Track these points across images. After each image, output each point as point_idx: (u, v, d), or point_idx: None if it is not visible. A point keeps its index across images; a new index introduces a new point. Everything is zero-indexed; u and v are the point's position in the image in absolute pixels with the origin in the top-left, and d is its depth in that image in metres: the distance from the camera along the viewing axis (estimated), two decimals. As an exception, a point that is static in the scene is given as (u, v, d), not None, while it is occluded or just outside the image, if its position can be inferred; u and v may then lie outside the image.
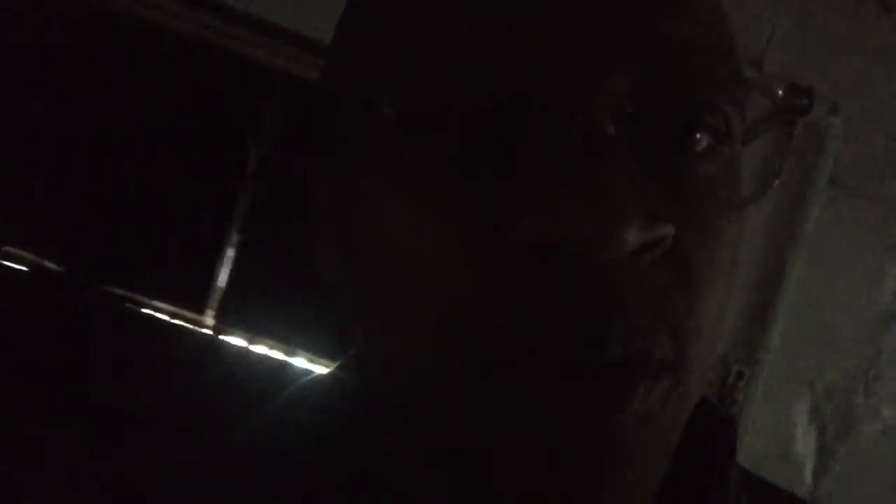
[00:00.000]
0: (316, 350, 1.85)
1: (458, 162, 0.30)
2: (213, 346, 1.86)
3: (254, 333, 1.88)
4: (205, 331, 1.88)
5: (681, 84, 0.31)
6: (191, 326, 1.87)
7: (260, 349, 1.87)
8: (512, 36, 0.30)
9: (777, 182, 0.35)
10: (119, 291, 1.86)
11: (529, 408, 0.29)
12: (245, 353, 1.86)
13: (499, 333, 0.29)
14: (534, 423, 0.30)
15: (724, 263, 0.33)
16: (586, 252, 0.28)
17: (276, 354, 1.86)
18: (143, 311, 1.85)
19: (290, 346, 1.87)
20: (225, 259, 1.88)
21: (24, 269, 1.85)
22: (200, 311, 1.88)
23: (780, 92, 0.33)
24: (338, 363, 0.42)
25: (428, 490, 0.34)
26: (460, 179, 0.30)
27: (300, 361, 1.85)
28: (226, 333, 1.88)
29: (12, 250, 1.85)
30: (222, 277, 1.88)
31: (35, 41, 1.82)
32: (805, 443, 1.66)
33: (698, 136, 0.32)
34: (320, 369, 1.73)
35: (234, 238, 1.88)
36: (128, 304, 1.85)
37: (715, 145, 0.32)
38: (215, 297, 1.89)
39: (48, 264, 1.86)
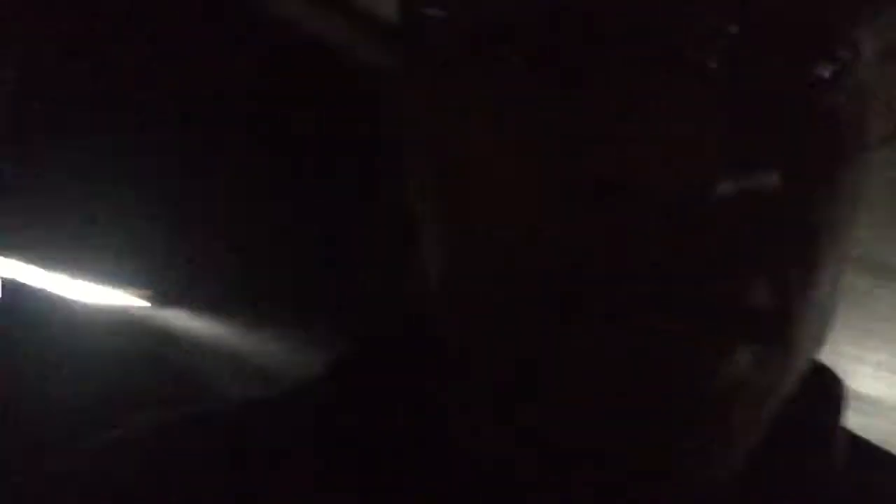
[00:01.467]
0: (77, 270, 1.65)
1: (532, 86, 0.27)
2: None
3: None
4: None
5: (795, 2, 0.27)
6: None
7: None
8: None
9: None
10: None
11: (597, 357, 0.26)
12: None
13: (565, 270, 0.26)
14: (601, 377, 0.26)
15: (843, 216, 0.29)
16: (661, 194, 0.25)
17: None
18: None
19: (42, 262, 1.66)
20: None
21: None
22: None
23: None
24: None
25: (494, 446, 0.31)
26: (535, 106, 0.27)
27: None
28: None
29: None
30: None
31: None
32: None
33: (817, 65, 0.27)
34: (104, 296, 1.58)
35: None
36: None
37: (838, 77, 0.28)
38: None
39: None
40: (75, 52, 1.42)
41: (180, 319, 1.65)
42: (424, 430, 0.34)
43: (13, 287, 1.55)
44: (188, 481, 0.34)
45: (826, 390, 0.36)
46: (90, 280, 1.64)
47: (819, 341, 0.30)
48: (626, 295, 0.26)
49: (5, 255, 1.57)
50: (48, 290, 1.61)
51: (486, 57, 0.28)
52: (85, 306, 1.62)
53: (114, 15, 1.40)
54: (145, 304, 1.66)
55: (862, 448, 0.38)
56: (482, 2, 0.28)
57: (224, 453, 0.35)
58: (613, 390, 0.27)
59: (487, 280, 0.28)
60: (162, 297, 1.66)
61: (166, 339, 1.63)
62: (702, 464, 0.27)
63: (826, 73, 0.27)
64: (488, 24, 0.28)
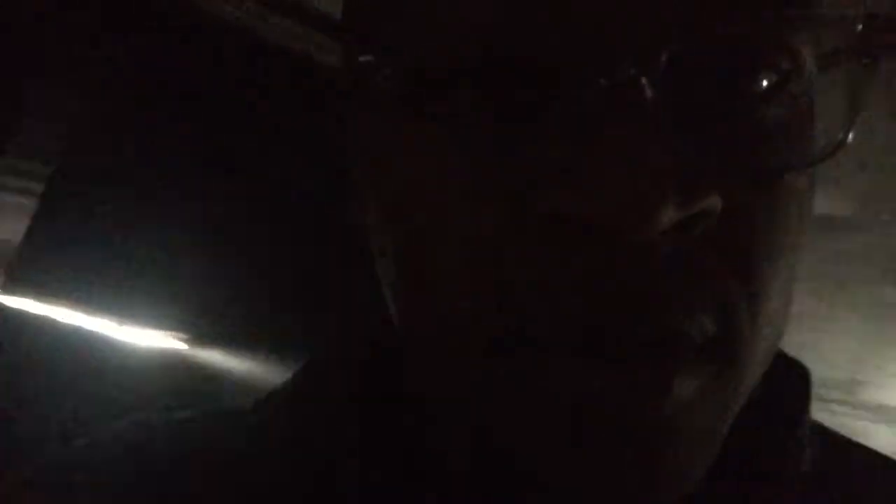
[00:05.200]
0: (123, 315, 1.77)
1: (479, 125, 0.28)
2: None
3: (45, 295, 1.74)
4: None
5: (729, 19, 0.26)
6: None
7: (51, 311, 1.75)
8: None
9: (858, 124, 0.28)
10: None
11: (552, 393, 0.27)
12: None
13: (522, 307, 0.27)
14: (557, 412, 0.27)
15: (790, 230, 0.28)
16: (611, 229, 0.25)
17: (71, 318, 1.75)
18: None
19: (92, 308, 1.76)
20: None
21: None
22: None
23: (860, 25, 0.28)
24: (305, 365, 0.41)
25: (453, 480, 0.34)
26: (481, 145, 0.28)
27: (102, 325, 1.76)
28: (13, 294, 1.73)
29: None
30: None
31: None
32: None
33: (758, 76, 0.27)
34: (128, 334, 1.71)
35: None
36: None
37: (780, 86, 0.28)
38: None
39: None
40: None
41: (213, 359, 1.77)
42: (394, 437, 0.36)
43: (62, 330, 1.68)
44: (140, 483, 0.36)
45: (792, 381, 0.37)
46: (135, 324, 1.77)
47: (771, 353, 0.30)
48: (577, 329, 0.26)
49: (54, 301, 1.69)
50: (95, 332, 1.74)
51: (426, 103, 0.28)
52: (129, 348, 1.75)
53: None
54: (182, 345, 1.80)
55: (833, 440, 0.38)
56: (417, 50, 0.28)
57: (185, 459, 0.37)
58: (568, 424, 0.27)
59: (440, 318, 0.29)
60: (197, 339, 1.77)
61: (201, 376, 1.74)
62: (660, 487, 0.27)
63: (765, 86, 0.27)
64: (426, 72, 0.28)
